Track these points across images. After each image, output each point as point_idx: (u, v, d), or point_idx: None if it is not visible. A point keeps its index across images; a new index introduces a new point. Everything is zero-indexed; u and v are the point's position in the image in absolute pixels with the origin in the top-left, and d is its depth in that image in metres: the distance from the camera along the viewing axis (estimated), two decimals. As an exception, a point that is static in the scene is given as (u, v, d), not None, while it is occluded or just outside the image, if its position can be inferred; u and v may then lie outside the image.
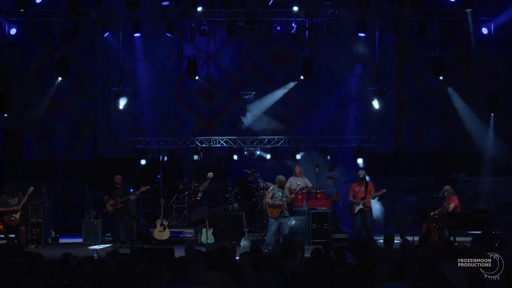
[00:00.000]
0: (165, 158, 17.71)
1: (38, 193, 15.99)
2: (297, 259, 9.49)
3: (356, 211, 15.33)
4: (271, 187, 14.73)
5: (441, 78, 17.08)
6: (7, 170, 18.55)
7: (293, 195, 15.07)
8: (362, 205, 15.24)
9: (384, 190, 15.39)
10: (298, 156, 17.50)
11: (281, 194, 14.34)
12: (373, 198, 15.47)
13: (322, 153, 17.53)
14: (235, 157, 17.73)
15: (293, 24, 17.06)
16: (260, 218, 16.29)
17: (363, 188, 15.30)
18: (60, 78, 16.84)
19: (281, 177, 14.56)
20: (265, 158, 18.25)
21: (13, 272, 7.73)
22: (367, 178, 15.48)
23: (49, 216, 16.51)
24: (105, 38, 17.20)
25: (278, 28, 17.15)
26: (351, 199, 15.50)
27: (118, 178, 15.77)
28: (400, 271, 7.28)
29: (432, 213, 14.47)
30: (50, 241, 16.27)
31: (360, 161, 17.19)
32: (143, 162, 17.43)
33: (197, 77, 17.38)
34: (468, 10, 16.34)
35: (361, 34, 16.98)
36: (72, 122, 18.25)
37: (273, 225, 14.37)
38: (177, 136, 18.03)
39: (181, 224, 16.69)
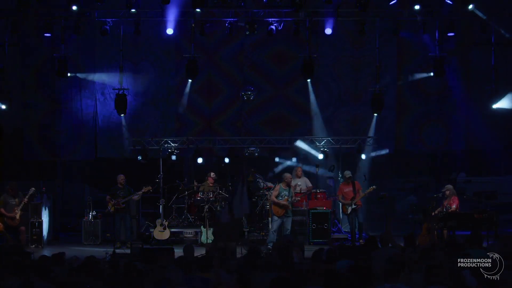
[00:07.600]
0: (165, 158, 17.69)
1: (38, 193, 15.99)
2: (294, 258, 9.47)
3: (349, 212, 15.35)
4: (278, 185, 14.71)
5: (431, 74, 17.05)
6: (7, 170, 18.53)
7: (298, 198, 15.09)
8: (354, 205, 15.29)
9: (373, 187, 15.37)
10: (297, 157, 17.48)
11: (287, 193, 14.32)
12: (363, 197, 15.47)
13: (321, 153, 17.52)
14: (235, 157, 17.70)
15: (293, 24, 17.06)
16: (260, 218, 16.28)
17: (351, 188, 15.31)
18: (60, 78, 16.85)
19: (287, 175, 14.53)
20: (265, 158, 18.22)
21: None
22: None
23: (49, 216, 16.51)
24: (105, 38, 17.20)
25: (275, 27, 17.04)
26: (341, 200, 15.54)
27: (121, 178, 15.74)
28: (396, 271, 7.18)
29: (432, 213, 14.48)
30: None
31: (363, 156, 17.25)
32: (139, 158, 17.20)
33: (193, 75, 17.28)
34: (470, 7, 16.32)
35: (361, 34, 17.00)
36: (72, 122, 18.23)
37: (276, 222, 14.36)
38: (177, 136, 18.01)
39: (181, 224, 16.69)
